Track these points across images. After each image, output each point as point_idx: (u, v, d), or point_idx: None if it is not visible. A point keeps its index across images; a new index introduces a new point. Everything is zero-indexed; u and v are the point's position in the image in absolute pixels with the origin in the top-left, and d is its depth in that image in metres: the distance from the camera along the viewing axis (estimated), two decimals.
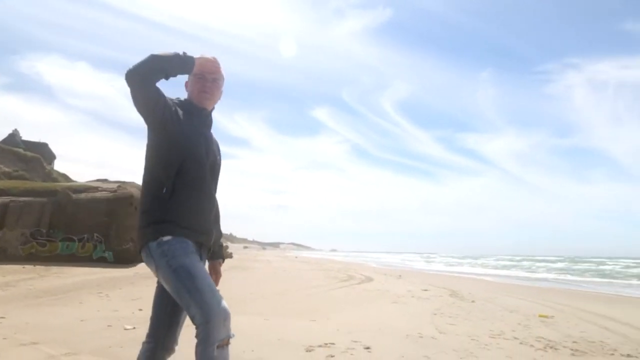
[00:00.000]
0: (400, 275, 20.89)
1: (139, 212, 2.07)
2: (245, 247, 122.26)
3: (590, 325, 7.71)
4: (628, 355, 5.51)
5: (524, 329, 7.00)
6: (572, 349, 5.69)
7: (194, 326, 1.91)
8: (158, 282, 2.13)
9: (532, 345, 5.80)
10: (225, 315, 1.92)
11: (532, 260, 70.17)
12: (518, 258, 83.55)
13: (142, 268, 17.59)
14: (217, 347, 1.87)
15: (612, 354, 5.54)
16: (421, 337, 6.04)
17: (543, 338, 6.31)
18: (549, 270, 37.07)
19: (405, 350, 5.20)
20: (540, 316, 8.54)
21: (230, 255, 34.84)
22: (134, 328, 5.93)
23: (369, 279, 16.80)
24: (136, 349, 4.79)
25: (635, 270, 37.72)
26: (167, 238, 1.96)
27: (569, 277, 28.36)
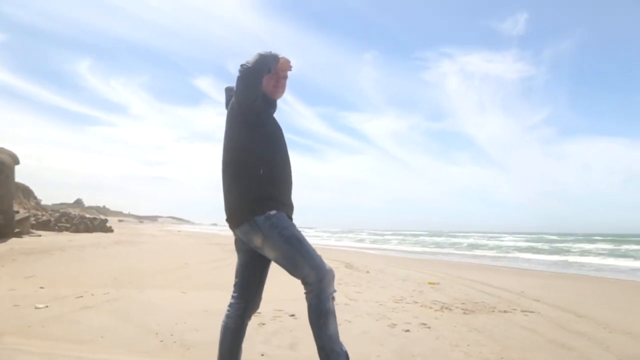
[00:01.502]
0: None
1: (235, 191, 2.33)
2: (121, 221, 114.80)
3: (471, 289, 8.89)
4: (505, 311, 6.56)
5: (420, 294, 7.90)
6: (462, 309, 6.61)
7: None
8: (243, 253, 2.31)
9: (430, 307, 6.62)
10: (333, 274, 2.37)
11: (401, 234, 75.85)
12: (388, 233, 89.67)
13: (17, 243, 16.11)
14: (331, 299, 2.30)
15: (493, 311, 6.56)
16: (336, 304, 6.52)
17: (437, 301, 7.20)
18: (423, 244, 40.56)
19: None
20: (429, 283, 9.62)
21: (110, 229, 32.94)
22: (47, 306, 5.66)
23: None
24: (57, 327, 4.72)
25: (487, 242, 42.99)
26: (273, 212, 2.28)
27: (439, 249, 31.49)
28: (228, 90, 2.48)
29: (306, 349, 4.19)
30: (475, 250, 29.63)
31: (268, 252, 2.29)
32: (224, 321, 2.46)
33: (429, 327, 5.31)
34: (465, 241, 46.38)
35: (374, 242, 45.06)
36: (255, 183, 2.28)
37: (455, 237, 61.98)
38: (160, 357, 3.75)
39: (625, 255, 24.38)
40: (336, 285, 8.23)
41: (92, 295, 6.48)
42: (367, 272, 11.57)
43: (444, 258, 21.76)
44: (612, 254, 25.86)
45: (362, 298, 7.20)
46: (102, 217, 38.36)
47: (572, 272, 15.29)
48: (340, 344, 2.28)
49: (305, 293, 2.31)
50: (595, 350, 4.62)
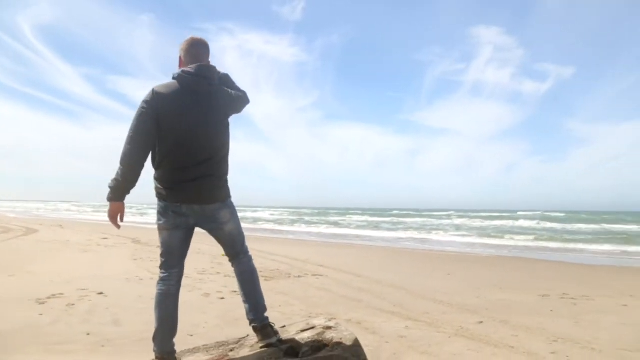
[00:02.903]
0: (61, 225, 19.46)
1: (219, 175, 2.43)
2: None
3: (263, 259, 9.60)
4: (299, 276, 7.39)
5: (220, 266, 8.23)
6: (263, 276, 7.17)
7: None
8: (182, 230, 2.42)
9: (234, 277, 6.93)
10: None
11: None
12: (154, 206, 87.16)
13: None
14: None
15: (289, 277, 7.32)
16: (141, 279, 6.44)
17: None
18: None
19: (138, 292, 5.56)
20: (223, 255, 9.98)
21: None
22: None
23: (33, 230, 15.17)
24: None
25: (263, 215, 45.73)
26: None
27: None
28: (216, 71, 2.45)
29: (130, 324, 4.15)
30: (251, 225, 31.16)
31: (228, 225, 2.52)
32: (164, 290, 2.42)
33: None
34: (240, 215, 47.88)
35: (143, 214, 43.28)
36: (227, 171, 2.53)
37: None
38: None
39: (381, 227, 28.92)
40: (131, 259, 8.03)
41: None
42: (158, 246, 11.34)
43: None
44: (370, 225, 30.40)
45: None
46: None
47: (342, 241, 17.57)
48: None
49: (243, 260, 2.62)
50: (376, 300, 5.69)
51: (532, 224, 31.47)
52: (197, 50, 2.43)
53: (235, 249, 2.55)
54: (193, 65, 2.35)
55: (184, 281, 6.49)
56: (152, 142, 2.28)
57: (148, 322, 4.25)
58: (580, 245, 15.82)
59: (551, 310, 5.29)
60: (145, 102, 2.26)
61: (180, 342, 3.67)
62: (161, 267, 2.45)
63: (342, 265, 8.97)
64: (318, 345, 2.16)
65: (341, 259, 10.33)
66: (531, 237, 19.43)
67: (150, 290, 5.76)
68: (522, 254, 12.92)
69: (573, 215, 46.72)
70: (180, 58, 2.45)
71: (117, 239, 13.09)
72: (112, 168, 2.37)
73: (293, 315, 4.70)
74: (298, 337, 2.32)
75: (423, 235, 21.37)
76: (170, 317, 2.41)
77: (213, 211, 2.41)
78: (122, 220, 2.40)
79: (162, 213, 2.38)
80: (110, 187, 2.27)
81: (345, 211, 68.82)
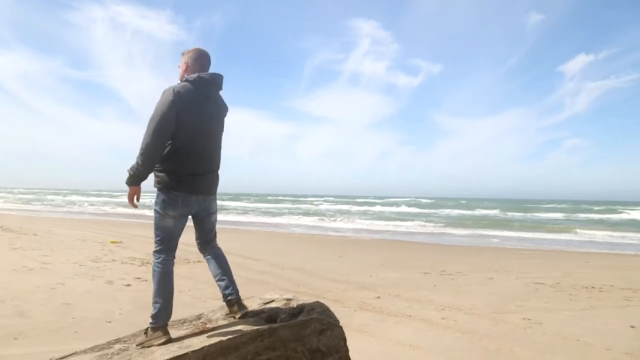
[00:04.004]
0: None
1: (218, 170, 2.67)
2: None
3: (149, 245, 9.39)
4: (198, 261, 7.41)
5: (112, 253, 7.95)
6: None
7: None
8: (184, 218, 2.55)
9: (132, 264, 6.87)
10: None
11: (36, 192, 68.10)
12: (17, 189, 79.49)
13: None
14: None
15: (188, 262, 7.35)
16: (31, 269, 6.03)
17: (134, 257, 7.49)
18: (60, 203, 37.50)
19: (33, 282, 5.26)
20: (112, 242, 9.62)
21: None
22: None
23: None
24: None
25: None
26: None
27: (77, 208, 30.06)
28: (223, 79, 2.71)
29: (38, 315, 3.99)
30: (120, 208, 29.66)
31: (216, 214, 2.76)
32: (167, 268, 2.49)
33: (146, 280, 5.65)
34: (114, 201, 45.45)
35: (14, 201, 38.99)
36: None
37: (101, 195, 59.48)
38: None
39: (262, 212, 29.27)
40: (10, 249, 7.47)
41: None
42: (35, 234, 10.53)
43: (103, 218, 21.15)
44: (251, 211, 30.60)
45: (56, 261, 6.77)
46: None
47: (227, 227, 17.55)
48: None
49: (216, 244, 2.78)
50: (281, 281, 6.02)
51: (406, 209, 34.11)
52: (206, 61, 2.70)
53: (212, 235, 2.72)
54: (208, 73, 2.61)
55: (80, 269, 6.33)
56: (170, 137, 2.45)
57: (57, 311, 4.14)
58: (449, 229, 17.68)
59: (434, 285, 6.04)
60: (169, 101, 2.42)
61: (98, 330, 3.68)
62: (160, 251, 2.54)
63: (236, 250, 9.16)
64: (294, 312, 2.39)
65: (232, 244, 10.49)
66: (407, 222, 21.19)
67: (46, 280, 5.52)
68: (402, 237, 14.14)
69: (440, 202, 51.39)
70: (186, 64, 2.65)
71: None
72: None
73: (206, 299, 4.87)
74: (266, 308, 2.53)
75: (307, 221, 22.16)
76: (172, 292, 2.55)
77: (210, 201, 2.65)
78: (138, 200, 2.56)
79: (169, 203, 2.49)
80: (130, 173, 2.40)
81: (220, 196, 67.56)
